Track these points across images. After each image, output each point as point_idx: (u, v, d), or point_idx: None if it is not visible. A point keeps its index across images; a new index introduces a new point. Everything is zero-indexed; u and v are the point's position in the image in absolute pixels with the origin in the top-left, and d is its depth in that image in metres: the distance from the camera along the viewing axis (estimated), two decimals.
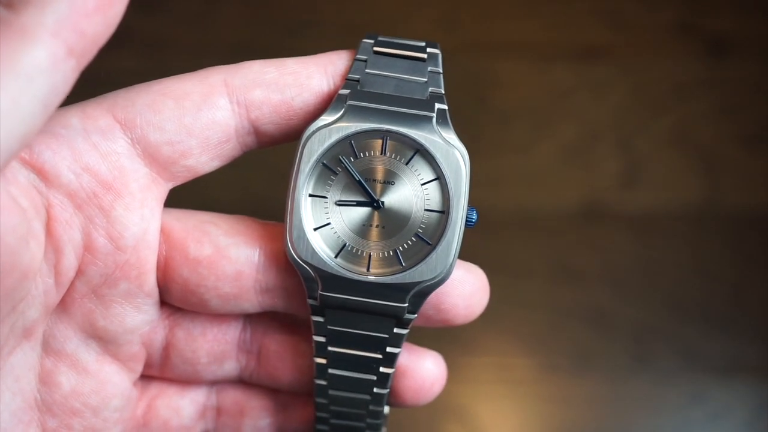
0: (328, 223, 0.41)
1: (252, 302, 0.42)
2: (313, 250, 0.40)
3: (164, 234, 0.41)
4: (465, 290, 0.42)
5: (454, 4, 1.07)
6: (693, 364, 0.91)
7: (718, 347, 0.91)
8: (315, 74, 0.41)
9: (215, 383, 0.46)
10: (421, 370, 0.45)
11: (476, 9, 1.06)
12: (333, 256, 0.41)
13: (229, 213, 0.43)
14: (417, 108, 0.40)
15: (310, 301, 0.41)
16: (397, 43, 0.42)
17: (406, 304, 0.41)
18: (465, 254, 0.42)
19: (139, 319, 0.41)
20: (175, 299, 0.42)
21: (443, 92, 0.41)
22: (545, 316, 0.93)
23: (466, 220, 0.41)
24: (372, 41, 0.41)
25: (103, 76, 0.43)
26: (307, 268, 0.40)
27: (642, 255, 0.96)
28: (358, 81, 0.40)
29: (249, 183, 0.91)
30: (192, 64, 0.42)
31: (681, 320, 0.92)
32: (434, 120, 0.40)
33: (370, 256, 0.41)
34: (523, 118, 1.01)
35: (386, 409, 0.46)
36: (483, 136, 1.00)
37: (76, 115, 0.38)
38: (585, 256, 0.95)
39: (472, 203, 0.41)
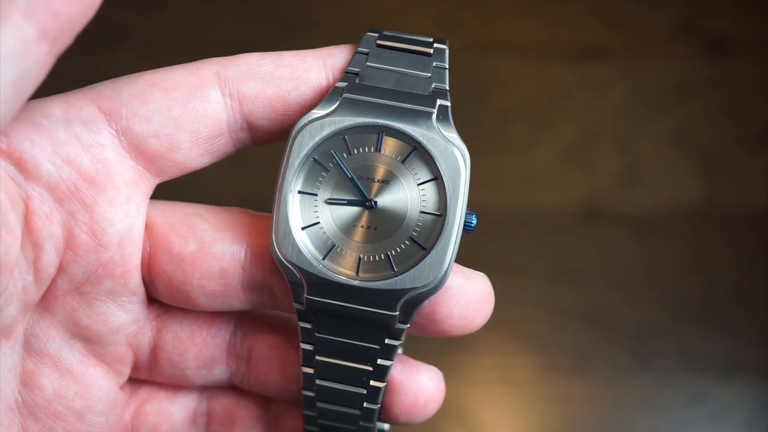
0: (317, 223, 0.38)
1: (240, 299, 0.40)
2: (300, 250, 0.37)
3: (148, 229, 0.39)
4: (462, 300, 0.39)
5: (454, 4, 1.07)
6: (693, 364, 0.91)
7: (718, 347, 0.91)
8: (313, 67, 0.38)
9: (206, 388, 0.44)
10: (415, 385, 0.41)
11: (476, 9, 1.06)
12: (320, 257, 0.38)
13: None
14: (417, 103, 0.38)
15: (296, 305, 0.39)
16: (403, 38, 0.39)
17: (397, 313, 0.38)
18: (464, 254, 0.39)
19: (124, 318, 0.40)
20: (162, 296, 0.40)
21: (448, 88, 0.38)
22: (545, 316, 0.93)
23: (465, 225, 0.38)
24: (376, 35, 0.39)
25: (102, 77, 0.42)
26: (293, 269, 0.37)
27: (642, 255, 0.95)
28: (357, 74, 0.38)
29: (242, 180, 0.91)
30: None
31: (681, 320, 0.92)
32: (434, 116, 0.37)
33: (360, 259, 0.38)
34: (523, 118, 1.01)
35: (386, 426, 0.43)
36: (483, 136, 0.99)
37: (58, 105, 0.36)
38: (585, 256, 0.95)
39: (471, 203, 0.38)
